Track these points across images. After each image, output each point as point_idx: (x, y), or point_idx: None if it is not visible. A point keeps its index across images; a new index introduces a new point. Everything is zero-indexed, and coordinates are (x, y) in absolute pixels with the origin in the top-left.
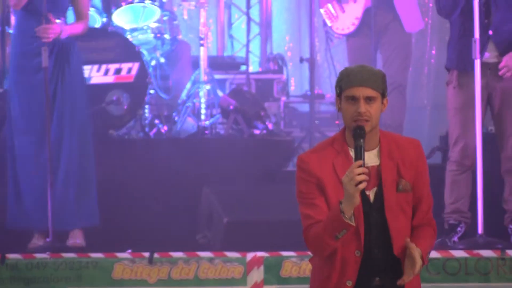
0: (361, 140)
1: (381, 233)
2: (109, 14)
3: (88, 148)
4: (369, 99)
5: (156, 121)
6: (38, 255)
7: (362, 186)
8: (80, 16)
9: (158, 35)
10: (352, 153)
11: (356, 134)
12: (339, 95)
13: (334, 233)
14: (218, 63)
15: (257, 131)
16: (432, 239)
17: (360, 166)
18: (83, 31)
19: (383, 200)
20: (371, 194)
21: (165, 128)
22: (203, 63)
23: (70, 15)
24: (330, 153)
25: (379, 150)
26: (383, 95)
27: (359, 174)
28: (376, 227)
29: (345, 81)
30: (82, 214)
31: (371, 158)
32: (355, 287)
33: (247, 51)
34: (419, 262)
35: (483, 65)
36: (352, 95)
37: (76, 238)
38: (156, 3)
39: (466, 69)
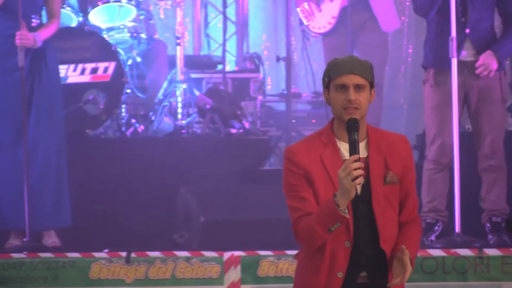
0: (356, 133)
1: (368, 226)
2: (85, 14)
3: (62, 148)
4: (358, 87)
5: (133, 121)
6: (15, 255)
7: (359, 181)
8: (52, 14)
9: (135, 34)
10: (339, 144)
11: (350, 127)
12: (327, 86)
13: (328, 225)
14: (194, 62)
15: (233, 130)
16: (419, 238)
17: (356, 161)
18: (56, 30)
19: (370, 193)
20: (358, 186)
21: (142, 127)
22: (179, 62)
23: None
24: (318, 145)
25: (367, 142)
26: (371, 85)
27: (356, 169)
28: (363, 219)
29: (334, 70)
30: (56, 215)
31: (361, 149)
32: (344, 280)
33: (224, 50)
34: (409, 269)
35: (460, 63)
36: (342, 83)
37: (53, 238)
38: (132, 2)
39: (443, 68)
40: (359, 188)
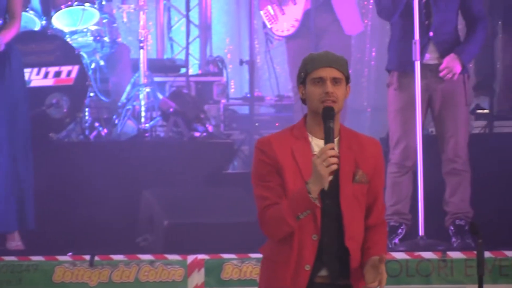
0: (331, 122)
1: (334, 222)
2: (48, 17)
3: (27, 151)
4: (335, 81)
5: (96, 124)
6: None
7: (333, 167)
8: (13, 15)
9: (98, 38)
10: (311, 139)
11: (326, 115)
12: (303, 81)
13: (297, 212)
14: (157, 66)
15: (197, 134)
16: (386, 241)
17: (331, 149)
18: (17, 31)
19: (338, 189)
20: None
21: (105, 131)
22: (142, 65)
23: None
24: (289, 138)
25: (339, 140)
26: (347, 80)
27: (331, 156)
28: (330, 215)
29: (310, 65)
30: (20, 218)
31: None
32: (311, 273)
33: (187, 54)
34: (385, 275)
35: (424, 66)
36: (319, 76)
37: (17, 241)
38: (96, 6)
39: (406, 71)
40: (326, 184)
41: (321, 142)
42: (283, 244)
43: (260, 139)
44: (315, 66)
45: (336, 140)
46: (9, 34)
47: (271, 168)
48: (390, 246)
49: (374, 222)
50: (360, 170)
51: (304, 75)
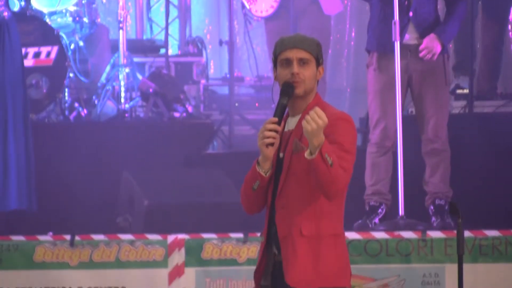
0: (286, 98)
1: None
2: None
3: (28, 130)
4: (302, 62)
5: (76, 105)
6: None
7: (267, 141)
8: None
9: (77, 18)
10: (289, 118)
11: (283, 91)
12: (275, 64)
13: (251, 183)
14: (137, 46)
15: (177, 114)
16: (338, 169)
17: (275, 123)
18: None
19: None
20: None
21: (85, 111)
22: (122, 46)
23: None
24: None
25: (301, 115)
26: (318, 62)
27: (270, 130)
28: (277, 186)
29: (279, 47)
30: (28, 197)
31: (294, 122)
32: (266, 244)
33: (166, 34)
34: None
35: (403, 47)
36: (286, 58)
37: None
38: None
39: (386, 51)
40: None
41: (291, 120)
42: None
43: None
44: (282, 48)
45: (299, 116)
46: None
47: None
48: (370, 226)
49: None
50: (295, 139)
51: (275, 57)
